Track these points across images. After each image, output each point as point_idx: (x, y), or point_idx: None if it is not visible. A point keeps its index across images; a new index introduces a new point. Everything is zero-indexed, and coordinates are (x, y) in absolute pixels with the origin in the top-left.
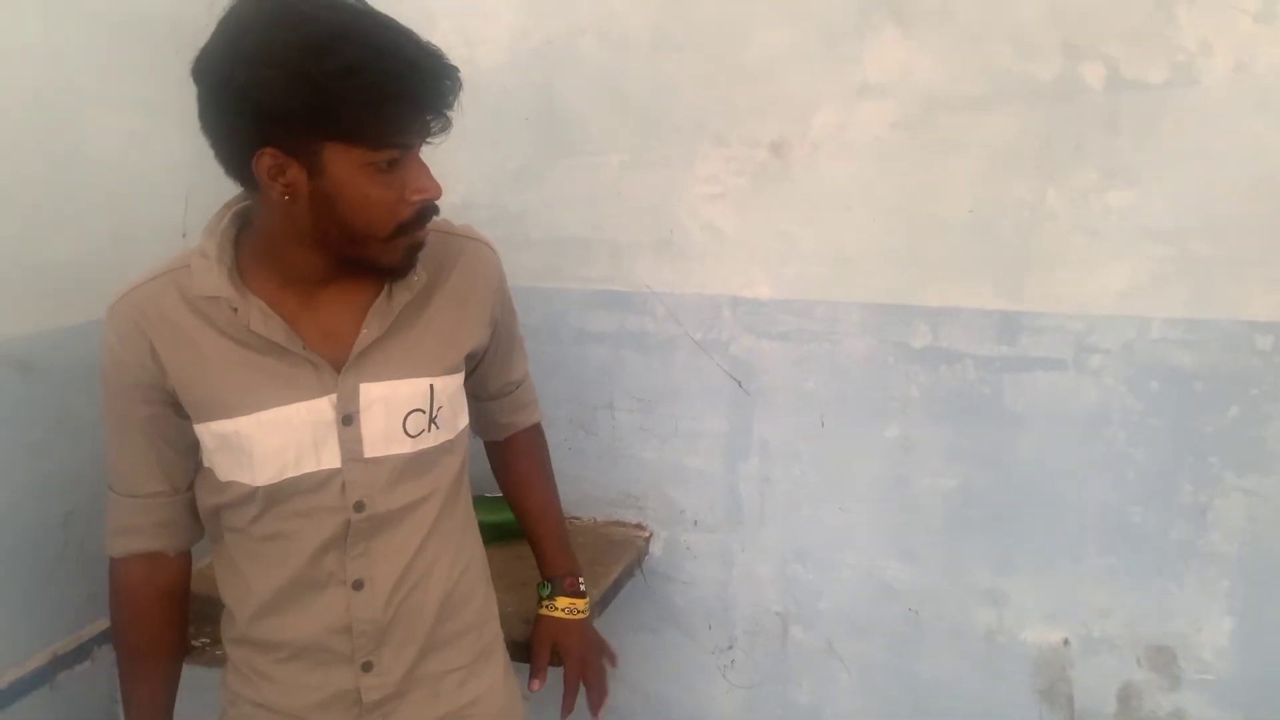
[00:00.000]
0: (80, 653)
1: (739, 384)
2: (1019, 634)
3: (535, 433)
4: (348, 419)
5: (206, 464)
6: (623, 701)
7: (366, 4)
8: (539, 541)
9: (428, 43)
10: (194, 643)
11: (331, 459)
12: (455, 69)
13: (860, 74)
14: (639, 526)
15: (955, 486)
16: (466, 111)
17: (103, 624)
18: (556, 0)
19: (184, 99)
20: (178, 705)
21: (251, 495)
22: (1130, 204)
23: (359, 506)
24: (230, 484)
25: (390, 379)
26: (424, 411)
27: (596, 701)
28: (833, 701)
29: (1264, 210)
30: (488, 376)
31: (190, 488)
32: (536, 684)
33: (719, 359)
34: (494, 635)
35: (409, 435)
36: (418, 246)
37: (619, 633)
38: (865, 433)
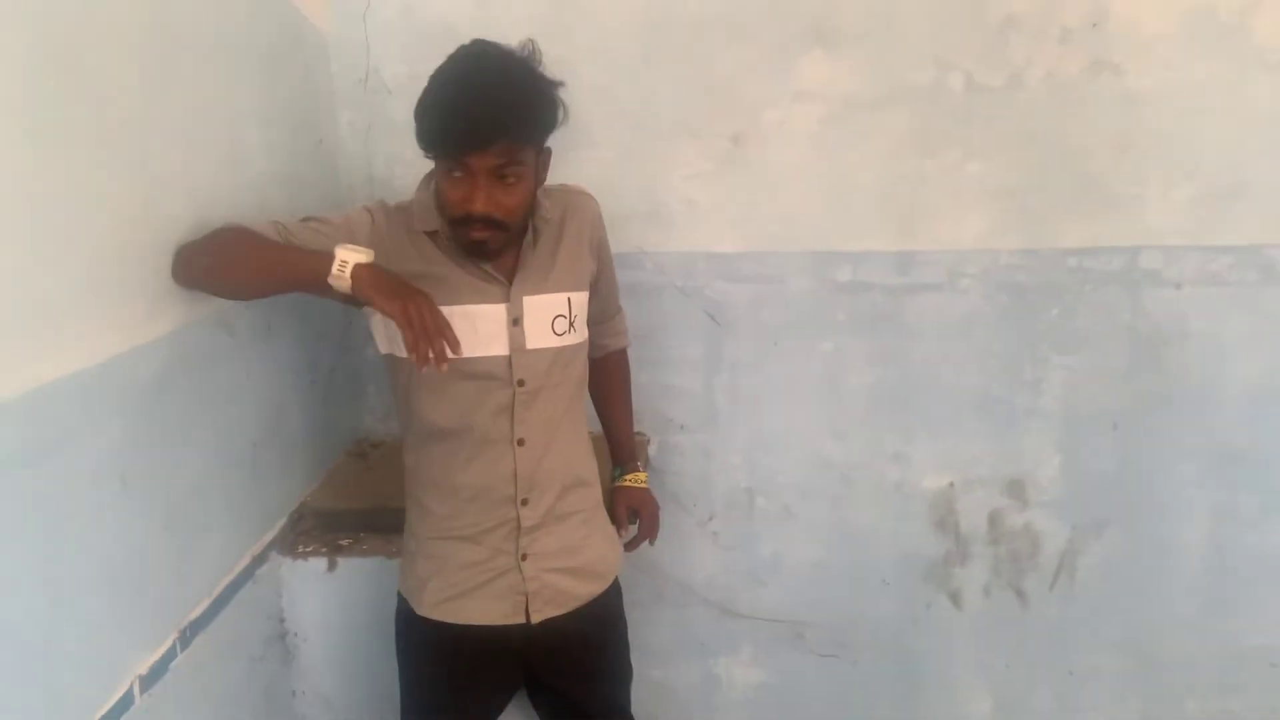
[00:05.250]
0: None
1: (712, 318)
2: (919, 484)
3: (623, 355)
4: (516, 320)
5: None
6: (632, 564)
7: (494, 55)
8: (615, 438)
9: (490, 94)
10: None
11: (502, 348)
12: (493, 119)
13: (796, 83)
14: (639, 434)
15: (871, 381)
16: None
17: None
18: (561, 31)
19: None
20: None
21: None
22: (983, 172)
23: (521, 383)
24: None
25: (542, 293)
26: (565, 317)
27: (654, 537)
28: (789, 551)
29: (1069, 173)
30: (596, 301)
31: None
32: (623, 532)
33: (696, 300)
34: (599, 498)
35: (555, 334)
36: (471, 245)
37: None
38: (807, 348)
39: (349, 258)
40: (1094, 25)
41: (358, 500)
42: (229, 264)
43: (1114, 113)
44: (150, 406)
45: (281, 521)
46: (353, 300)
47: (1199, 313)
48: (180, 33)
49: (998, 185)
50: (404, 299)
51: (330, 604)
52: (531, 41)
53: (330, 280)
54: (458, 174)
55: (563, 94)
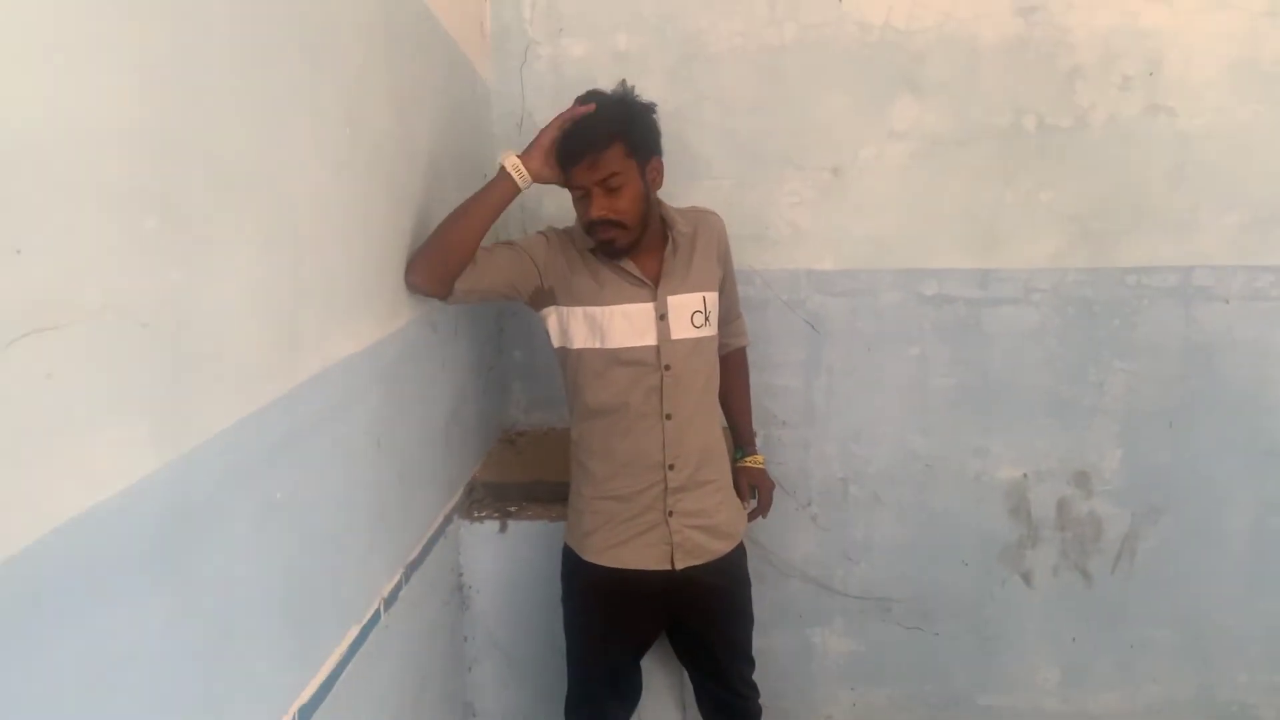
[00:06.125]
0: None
1: (812, 327)
2: (996, 474)
3: (743, 353)
4: (662, 316)
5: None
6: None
7: (591, 99)
8: (737, 424)
9: (580, 124)
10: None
11: (651, 339)
12: (580, 141)
13: (889, 124)
14: None
15: (954, 384)
16: None
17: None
18: (686, 80)
19: None
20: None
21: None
22: (1053, 200)
23: (667, 367)
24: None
25: (682, 293)
26: (701, 312)
27: (767, 512)
28: (878, 533)
29: (1129, 201)
30: (721, 304)
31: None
32: (745, 504)
33: (799, 312)
34: (729, 472)
35: (694, 326)
36: (602, 245)
37: None
38: (896, 353)
39: (515, 164)
40: (1150, 74)
41: (517, 476)
42: (446, 236)
43: (1168, 149)
44: (391, 384)
45: (459, 491)
46: (536, 297)
47: (1245, 324)
48: (412, 87)
49: (1066, 212)
50: (546, 149)
51: (500, 561)
52: (623, 81)
53: (523, 190)
54: (578, 193)
55: (686, 131)
